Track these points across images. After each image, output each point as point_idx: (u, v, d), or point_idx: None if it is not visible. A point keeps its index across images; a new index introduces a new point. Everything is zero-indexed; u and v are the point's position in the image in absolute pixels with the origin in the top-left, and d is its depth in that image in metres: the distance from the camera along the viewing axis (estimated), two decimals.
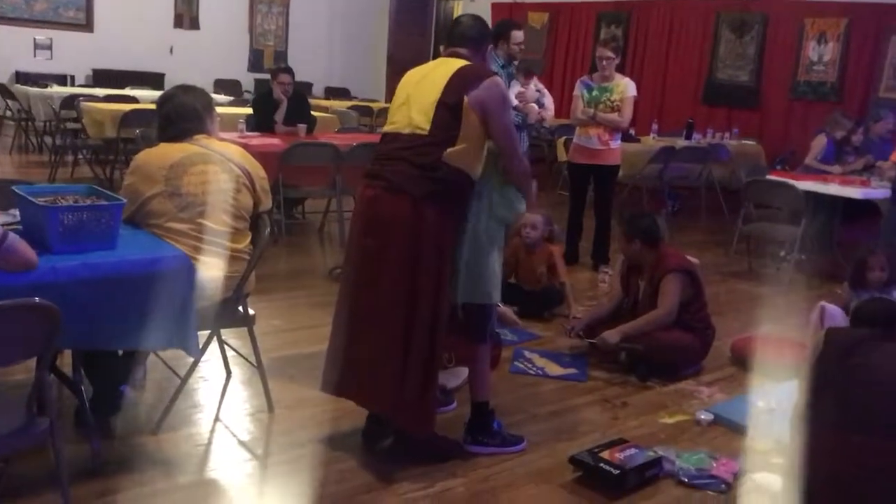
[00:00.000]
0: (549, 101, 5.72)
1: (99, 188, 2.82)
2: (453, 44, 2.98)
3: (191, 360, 3.03)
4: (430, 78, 2.84)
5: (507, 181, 2.97)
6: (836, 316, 4.06)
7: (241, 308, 3.14)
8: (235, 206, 2.98)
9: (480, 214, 2.94)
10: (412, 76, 2.96)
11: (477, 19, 3.07)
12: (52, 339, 2.10)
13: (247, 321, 3.18)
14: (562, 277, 4.89)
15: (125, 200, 2.72)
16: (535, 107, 5.44)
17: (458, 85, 2.76)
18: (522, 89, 5.43)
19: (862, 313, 2.87)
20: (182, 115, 3.00)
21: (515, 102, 5.38)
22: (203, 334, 3.07)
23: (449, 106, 2.75)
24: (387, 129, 2.93)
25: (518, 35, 5.15)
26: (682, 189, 8.98)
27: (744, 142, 9.42)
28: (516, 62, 5.50)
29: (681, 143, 8.63)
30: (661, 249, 4.08)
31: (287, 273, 5.45)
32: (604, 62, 5.68)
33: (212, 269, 2.90)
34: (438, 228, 2.75)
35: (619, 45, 5.83)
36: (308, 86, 13.49)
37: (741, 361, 4.21)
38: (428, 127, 2.76)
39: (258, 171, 3.11)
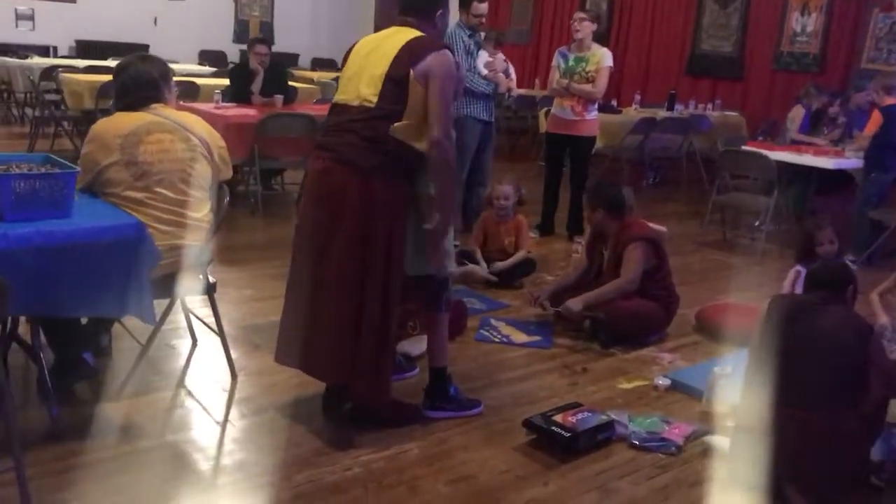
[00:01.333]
0: (513, 71, 5.74)
1: (55, 157, 2.85)
2: (403, 12, 2.94)
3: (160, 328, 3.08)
4: (381, 49, 2.82)
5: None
6: None
7: (201, 276, 3.17)
8: (193, 176, 3.00)
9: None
10: (363, 46, 2.93)
11: None
12: (1, 307, 2.13)
13: (207, 289, 3.21)
14: (526, 247, 4.94)
15: (79, 169, 2.74)
16: (503, 76, 5.45)
17: (405, 58, 2.74)
18: (490, 59, 5.43)
19: (815, 277, 2.94)
20: (139, 84, 3.01)
21: (485, 72, 5.39)
22: (164, 302, 3.12)
23: (395, 80, 2.74)
24: (336, 99, 2.92)
25: (480, 7, 5.17)
26: (663, 160, 9.01)
27: (726, 113, 9.44)
28: (482, 32, 5.51)
29: (662, 114, 8.64)
30: (625, 219, 4.11)
31: (263, 244, 5.49)
32: (575, 23, 5.67)
33: (170, 238, 2.93)
34: (387, 200, 2.77)
35: (596, 13, 5.81)
36: (294, 57, 13.43)
37: (706, 329, 4.27)
38: (375, 100, 2.75)
39: (216, 141, 3.13)
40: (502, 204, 4.95)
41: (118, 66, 3.08)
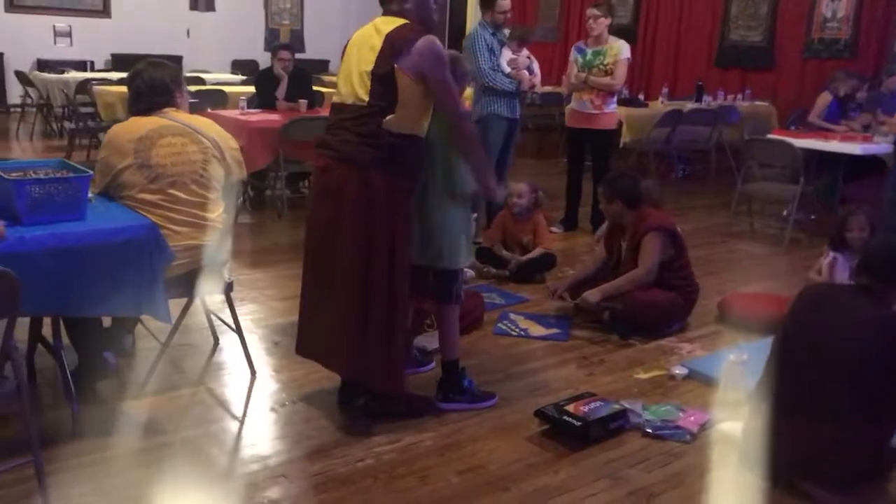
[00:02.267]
0: (536, 67, 5.73)
1: (70, 162, 2.94)
2: (381, 3, 2.93)
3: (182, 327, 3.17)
4: (368, 44, 2.83)
5: (452, 154, 2.99)
6: (847, 268, 4.06)
7: (217, 276, 3.23)
8: (205, 177, 3.07)
9: (439, 180, 3.01)
10: (354, 41, 2.93)
11: None
12: (13, 304, 2.21)
13: (224, 288, 3.28)
14: (544, 245, 4.95)
15: (92, 173, 2.83)
16: (527, 73, 5.46)
17: (388, 53, 2.75)
18: (514, 56, 5.44)
19: (866, 259, 2.74)
20: (151, 89, 3.10)
21: (508, 69, 5.41)
22: (181, 302, 3.20)
23: (381, 76, 2.76)
24: (335, 98, 2.96)
25: (503, 4, 5.19)
26: (692, 153, 8.93)
27: (756, 103, 9.31)
28: (506, 29, 5.52)
29: (689, 106, 8.56)
30: (642, 210, 4.10)
31: (287, 246, 5.55)
32: (590, 20, 5.66)
33: (184, 238, 3.01)
34: (387, 195, 2.80)
35: (608, 6, 5.78)
36: (325, 63, 13.58)
37: (727, 318, 4.23)
38: (367, 98, 2.79)
39: (228, 142, 3.20)
40: (515, 202, 4.97)
41: (131, 73, 3.18)
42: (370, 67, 2.78)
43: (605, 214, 4.38)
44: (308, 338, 3.06)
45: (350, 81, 2.86)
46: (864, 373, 2.52)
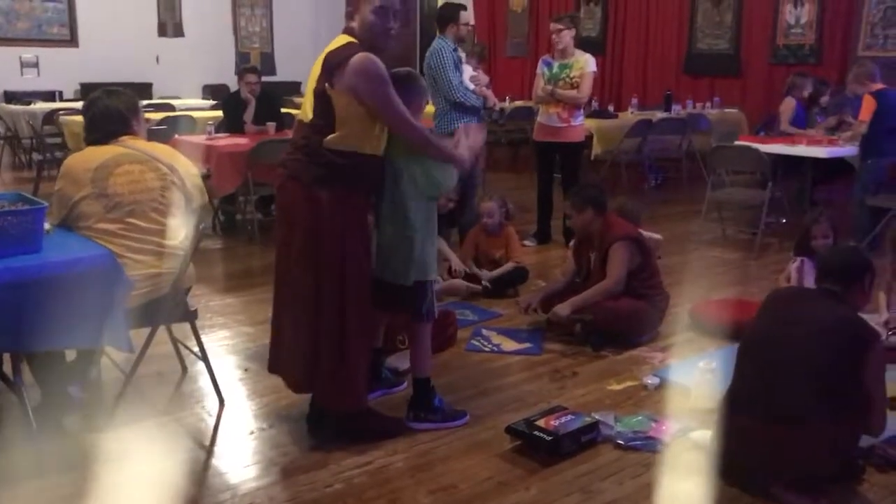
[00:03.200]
0: (489, 86, 5.77)
1: (26, 195, 2.91)
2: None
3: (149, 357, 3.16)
4: (319, 62, 2.85)
5: (422, 159, 2.99)
6: (814, 271, 4.08)
7: (180, 304, 3.20)
8: (164, 203, 3.05)
9: (406, 194, 2.98)
10: (317, 61, 2.90)
11: None
12: None
13: (187, 316, 3.24)
14: (516, 258, 4.95)
15: (46, 205, 2.79)
16: (490, 92, 5.49)
17: (325, 72, 2.77)
18: (475, 73, 5.46)
19: (825, 264, 2.82)
20: (106, 117, 3.08)
21: (472, 86, 5.42)
22: (146, 331, 3.16)
23: (319, 94, 2.79)
24: (296, 114, 3.00)
25: (466, 16, 5.22)
26: (664, 161, 8.98)
27: (725, 110, 9.40)
28: (462, 48, 5.54)
29: (659, 115, 8.62)
30: (608, 218, 4.11)
31: (258, 270, 5.51)
32: (553, 36, 5.69)
33: (144, 267, 2.98)
34: (334, 211, 2.80)
35: (571, 18, 5.82)
36: (297, 85, 13.57)
37: (698, 325, 4.24)
38: (311, 116, 2.82)
39: (188, 168, 3.18)
40: (487, 221, 4.99)
41: (86, 102, 3.15)
42: (314, 86, 2.81)
43: (573, 227, 4.38)
44: (275, 355, 3.08)
45: (305, 100, 2.90)
46: (828, 374, 2.53)
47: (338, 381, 2.88)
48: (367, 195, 2.93)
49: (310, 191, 2.80)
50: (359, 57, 2.75)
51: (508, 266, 4.92)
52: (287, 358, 2.97)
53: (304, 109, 2.87)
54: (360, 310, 2.89)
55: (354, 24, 2.87)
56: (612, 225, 4.07)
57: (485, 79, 5.52)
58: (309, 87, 2.86)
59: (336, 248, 2.81)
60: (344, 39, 2.86)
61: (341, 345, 2.86)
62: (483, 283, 4.83)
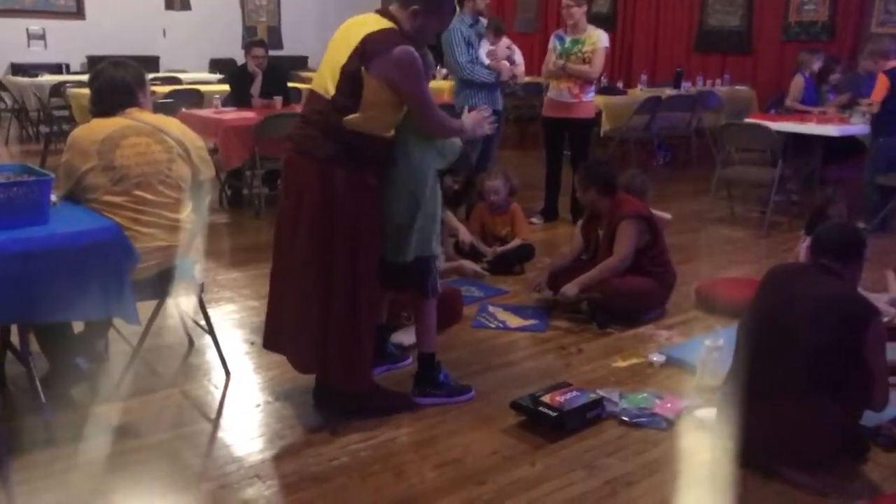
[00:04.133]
0: (519, 57, 5.72)
1: (32, 166, 2.89)
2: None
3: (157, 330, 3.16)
4: (348, 37, 2.78)
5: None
6: None
7: (187, 276, 3.19)
8: (171, 177, 3.03)
9: (412, 169, 2.96)
10: (338, 32, 2.87)
11: None
12: None
13: (195, 289, 3.25)
14: (522, 236, 4.95)
15: (53, 176, 2.78)
16: (507, 63, 5.44)
17: (361, 53, 2.70)
18: (492, 47, 5.42)
19: (820, 241, 2.80)
20: (113, 89, 3.05)
21: (487, 61, 5.39)
22: (152, 304, 3.17)
23: (350, 74, 2.71)
24: (310, 86, 2.93)
25: None
26: (673, 139, 8.92)
27: (736, 87, 9.32)
28: (484, 20, 5.50)
29: (668, 92, 8.55)
30: (617, 196, 4.09)
31: (265, 244, 5.38)
32: (565, 11, 5.64)
33: (151, 240, 2.97)
34: (349, 190, 2.77)
35: None
36: (304, 59, 13.50)
37: (704, 304, 4.23)
38: (333, 92, 2.75)
39: (194, 141, 3.16)
40: (493, 199, 4.97)
41: (92, 73, 3.13)
42: (343, 62, 2.73)
43: (581, 203, 4.36)
44: (273, 332, 3.05)
45: (323, 72, 2.82)
46: (828, 350, 2.53)
47: (349, 361, 2.87)
48: (378, 174, 2.89)
49: (324, 168, 2.75)
50: (404, 51, 2.71)
51: (515, 243, 4.91)
52: (291, 336, 2.93)
53: (324, 83, 2.79)
54: (371, 289, 2.88)
55: (395, 11, 2.82)
56: (621, 202, 4.05)
57: (503, 52, 5.47)
58: (332, 62, 2.77)
59: (349, 227, 2.78)
60: (382, 22, 2.77)
61: (353, 324, 2.84)
62: (483, 263, 4.78)
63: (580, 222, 5.44)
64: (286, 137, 2.93)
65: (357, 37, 2.75)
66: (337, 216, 2.77)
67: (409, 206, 2.95)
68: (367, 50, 2.70)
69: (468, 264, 4.42)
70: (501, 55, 5.59)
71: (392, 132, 2.86)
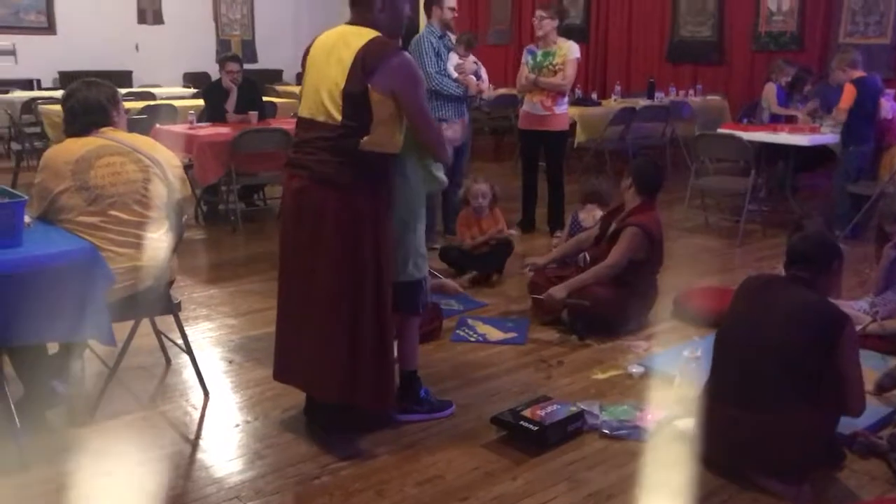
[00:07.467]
0: (484, 73, 5.75)
1: (6, 188, 2.86)
2: (350, 8, 2.83)
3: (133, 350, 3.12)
4: (336, 57, 2.71)
5: (425, 155, 2.96)
6: None
7: (163, 296, 3.17)
8: (146, 196, 3.01)
9: (409, 189, 2.96)
10: (319, 53, 2.80)
11: None
12: None
13: (171, 308, 3.22)
14: (506, 231, 5.08)
15: (26, 198, 2.76)
16: (474, 79, 5.47)
17: (360, 70, 2.64)
18: (461, 61, 5.44)
19: (793, 251, 2.81)
20: (86, 109, 3.03)
21: (455, 74, 5.40)
22: (129, 324, 3.14)
23: (354, 96, 2.65)
24: (302, 113, 2.84)
25: (450, 0, 5.18)
26: (647, 149, 8.99)
27: (708, 97, 9.43)
28: (451, 34, 5.52)
29: (642, 103, 8.63)
30: (644, 202, 4.08)
31: (242, 260, 5.48)
32: (536, 22, 5.69)
33: (127, 260, 2.95)
34: (370, 213, 2.75)
35: (557, 10, 5.82)
36: (278, 73, 13.48)
37: (682, 314, 4.26)
38: (340, 117, 2.68)
39: (170, 160, 3.14)
40: (480, 203, 5.00)
41: (65, 93, 3.11)
42: (341, 85, 2.67)
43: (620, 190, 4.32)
44: (287, 363, 2.98)
45: (318, 97, 2.74)
46: (802, 359, 2.55)
47: (380, 381, 2.85)
48: (392, 195, 2.86)
49: (346, 194, 2.71)
50: (402, 58, 2.71)
51: (493, 231, 4.98)
52: (313, 366, 2.86)
53: (323, 109, 2.72)
54: (390, 307, 2.86)
55: (383, 16, 2.78)
56: (642, 210, 4.06)
57: (471, 67, 5.49)
58: (327, 85, 2.71)
59: (374, 250, 2.76)
60: (365, 33, 2.73)
61: (382, 345, 2.82)
62: (464, 280, 4.82)
63: (558, 234, 5.51)
64: (291, 164, 2.84)
65: (348, 55, 2.69)
66: (363, 240, 2.74)
67: (402, 230, 2.96)
68: (367, 65, 2.65)
69: (450, 283, 4.43)
70: (469, 69, 5.62)
71: (399, 148, 2.83)
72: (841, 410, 2.63)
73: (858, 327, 3.44)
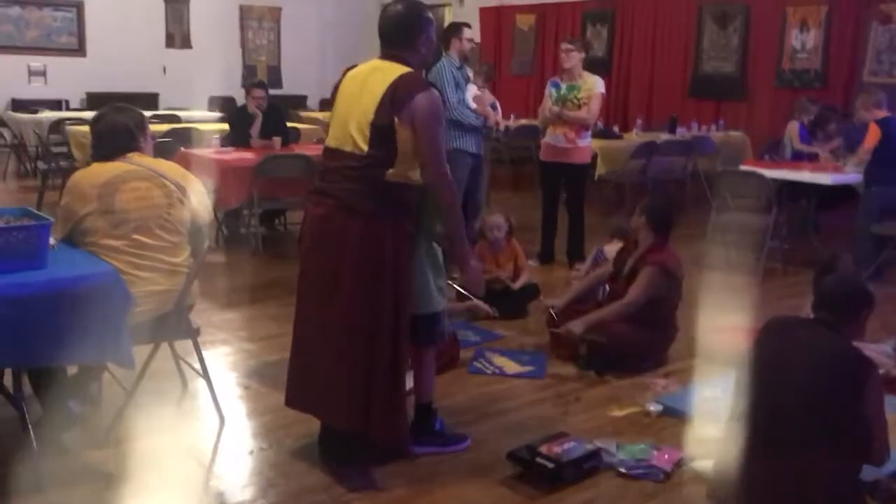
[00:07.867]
0: (498, 105, 5.81)
1: (32, 210, 2.90)
2: (384, 43, 2.87)
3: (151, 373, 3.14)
4: (367, 90, 2.76)
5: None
6: None
7: (183, 320, 3.18)
8: (170, 221, 3.04)
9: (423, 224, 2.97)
10: (348, 85, 2.86)
11: (402, 5, 2.84)
12: None
13: (190, 333, 3.23)
14: (525, 270, 5.03)
15: (52, 220, 2.79)
16: (491, 110, 5.52)
17: (388, 105, 2.70)
18: (479, 93, 5.49)
19: (823, 294, 2.77)
20: (114, 133, 3.07)
21: (473, 105, 5.45)
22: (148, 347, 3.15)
23: (382, 128, 2.70)
24: (329, 143, 2.88)
25: (468, 31, 5.25)
26: (668, 183, 8.98)
27: (730, 133, 9.41)
28: (468, 67, 5.58)
29: (664, 137, 8.64)
30: (659, 240, 4.08)
31: (262, 285, 5.50)
32: (562, 55, 5.72)
33: (148, 284, 2.97)
34: (392, 242, 2.76)
35: (583, 42, 5.86)
36: (303, 98, 13.62)
37: (703, 352, 4.21)
38: (366, 148, 2.72)
39: (195, 186, 3.17)
40: (495, 235, 4.99)
41: (94, 117, 3.16)
42: (370, 117, 2.71)
43: (632, 225, 4.31)
44: (301, 390, 2.97)
45: (346, 129, 2.78)
46: (827, 405, 2.51)
47: (392, 413, 2.84)
48: (417, 223, 2.87)
49: (369, 223, 2.73)
50: (430, 97, 2.74)
51: (525, 280, 4.97)
52: (328, 395, 2.85)
53: (350, 141, 2.77)
54: (407, 337, 2.86)
55: (423, 51, 2.86)
56: (659, 248, 4.05)
57: (489, 98, 5.55)
58: (356, 118, 2.75)
59: (394, 280, 2.76)
60: (400, 69, 2.78)
61: (395, 377, 2.82)
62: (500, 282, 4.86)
63: (578, 266, 5.49)
64: (317, 191, 2.87)
65: (379, 88, 2.73)
66: (384, 269, 2.75)
67: (422, 260, 2.95)
68: (397, 99, 2.69)
69: (483, 305, 4.41)
70: (488, 100, 5.67)
71: (418, 177, 2.84)
72: (864, 458, 2.59)
73: (882, 371, 3.39)
